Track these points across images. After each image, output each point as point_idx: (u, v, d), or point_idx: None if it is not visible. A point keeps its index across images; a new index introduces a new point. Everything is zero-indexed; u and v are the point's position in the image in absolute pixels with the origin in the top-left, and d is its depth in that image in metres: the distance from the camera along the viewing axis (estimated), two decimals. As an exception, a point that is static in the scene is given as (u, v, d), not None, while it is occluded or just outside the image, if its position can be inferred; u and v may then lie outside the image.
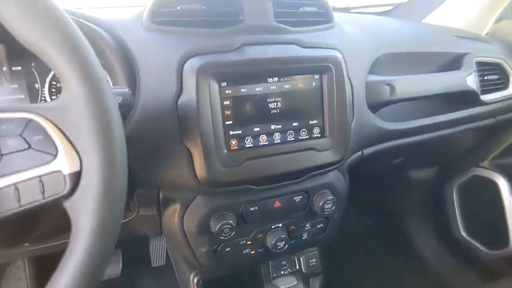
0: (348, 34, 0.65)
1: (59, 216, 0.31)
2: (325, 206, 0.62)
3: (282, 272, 0.76)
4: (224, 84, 0.50)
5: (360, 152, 0.68)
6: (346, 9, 1.09)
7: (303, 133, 0.56)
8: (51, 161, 0.28)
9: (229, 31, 0.52)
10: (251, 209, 0.58)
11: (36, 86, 0.58)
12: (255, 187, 0.55)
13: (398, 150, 0.78)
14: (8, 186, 0.28)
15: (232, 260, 0.62)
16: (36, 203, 0.28)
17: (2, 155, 0.28)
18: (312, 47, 0.56)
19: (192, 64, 0.48)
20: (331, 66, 0.55)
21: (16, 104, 0.31)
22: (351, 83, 0.59)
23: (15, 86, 0.57)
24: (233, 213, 0.57)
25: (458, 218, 1.11)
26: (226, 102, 0.50)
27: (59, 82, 0.60)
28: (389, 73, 0.71)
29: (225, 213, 0.57)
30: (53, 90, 0.60)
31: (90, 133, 0.28)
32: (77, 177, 0.29)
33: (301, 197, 0.62)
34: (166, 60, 0.49)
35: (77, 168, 0.29)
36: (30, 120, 0.29)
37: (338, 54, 0.57)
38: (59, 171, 0.28)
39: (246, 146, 0.52)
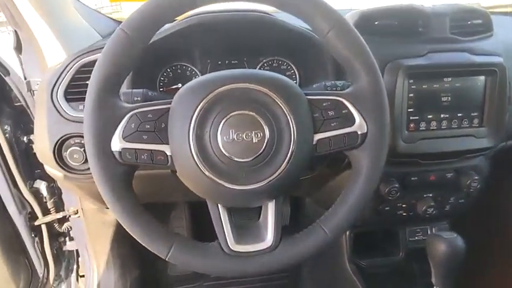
0: (504, 40, 0.76)
1: None
2: (472, 184, 0.76)
3: (416, 238, 0.91)
4: (411, 81, 0.67)
5: (505, 142, 0.80)
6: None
7: (465, 122, 0.70)
8: (352, 125, 0.48)
9: (415, 41, 0.69)
10: (412, 178, 0.75)
11: None
12: (421, 161, 0.72)
13: None
14: (326, 138, 0.48)
15: (388, 217, 0.80)
16: (339, 149, 0.49)
17: (325, 119, 0.48)
18: (480, 54, 0.69)
19: (392, 66, 0.66)
20: (497, 70, 0.68)
21: (328, 91, 0.52)
22: (509, 83, 0.72)
23: None
24: (397, 180, 0.75)
25: None
26: (411, 95, 0.67)
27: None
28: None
29: (392, 179, 0.74)
30: None
31: (373, 110, 0.48)
32: (364, 136, 0.48)
33: (452, 174, 0.76)
34: None
35: (365, 131, 0.48)
36: (338, 101, 0.49)
37: (501, 60, 0.70)
38: (355, 132, 0.48)
39: (420, 128, 0.69)
